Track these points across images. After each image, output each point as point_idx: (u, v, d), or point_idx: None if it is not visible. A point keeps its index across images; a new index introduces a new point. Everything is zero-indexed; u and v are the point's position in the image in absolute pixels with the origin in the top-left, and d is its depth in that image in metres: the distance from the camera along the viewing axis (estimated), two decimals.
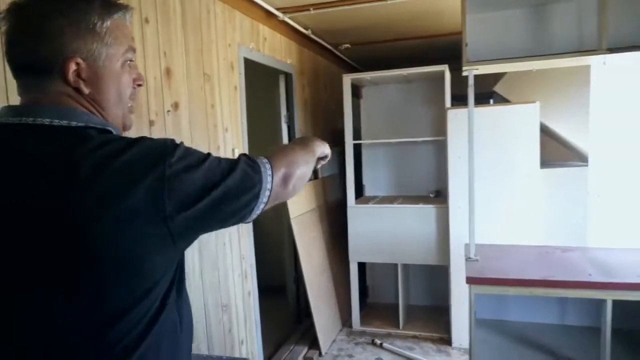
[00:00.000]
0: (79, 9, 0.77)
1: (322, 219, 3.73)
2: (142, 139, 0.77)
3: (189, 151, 0.79)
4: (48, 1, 0.77)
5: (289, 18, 3.16)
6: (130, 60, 0.85)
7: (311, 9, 3.02)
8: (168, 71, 2.06)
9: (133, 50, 0.85)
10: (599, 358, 1.91)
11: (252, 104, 2.80)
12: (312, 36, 3.65)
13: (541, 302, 2.40)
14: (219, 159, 0.82)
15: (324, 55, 4.22)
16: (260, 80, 3.31)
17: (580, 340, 2.17)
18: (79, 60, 0.77)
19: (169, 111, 2.05)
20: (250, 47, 2.84)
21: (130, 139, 0.77)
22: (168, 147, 0.76)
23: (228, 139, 2.56)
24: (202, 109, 2.33)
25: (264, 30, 3.05)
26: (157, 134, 1.98)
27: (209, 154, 0.81)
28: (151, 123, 1.95)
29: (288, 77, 3.45)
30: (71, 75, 0.77)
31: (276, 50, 3.24)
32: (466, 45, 2.13)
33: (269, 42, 3.13)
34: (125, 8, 0.84)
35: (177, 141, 0.79)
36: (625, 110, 2.83)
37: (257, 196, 0.84)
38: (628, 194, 2.86)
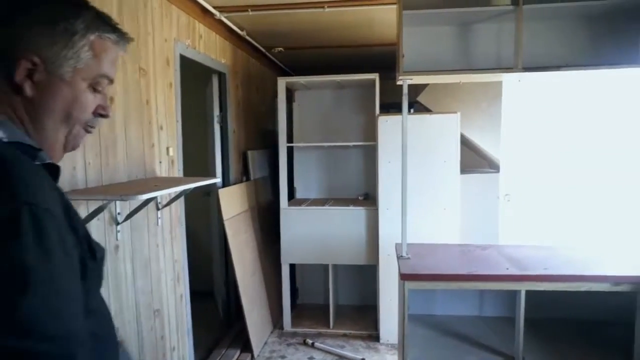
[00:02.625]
0: (64, 10, 0.72)
1: (254, 221, 3.71)
2: None
3: None
4: None
5: (226, 17, 3.13)
6: (99, 88, 0.77)
7: (249, 10, 3.02)
8: None
9: (109, 80, 0.78)
10: (513, 343, 2.13)
11: (184, 102, 2.73)
12: (247, 37, 3.63)
13: (462, 296, 2.61)
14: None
15: (257, 57, 4.21)
16: (192, 78, 3.23)
17: (498, 329, 2.40)
18: (37, 61, 0.69)
19: None
20: (187, 43, 2.77)
21: None
22: None
23: (163, 137, 2.47)
24: (137, 105, 2.22)
25: (200, 27, 2.98)
26: None
27: None
28: None
29: (222, 76, 3.40)
30: (20, 72, 0.69)
31: (211, 48, 3.18)
32: (402, 56, 2.26)
33: (205, 40, 3.06)
34: (121, 34, 0.79)
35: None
36: (532, 122, 3.18)
37: None
38: (534, 197, 3.22)
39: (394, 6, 2.41)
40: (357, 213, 3.56)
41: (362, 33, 3.72)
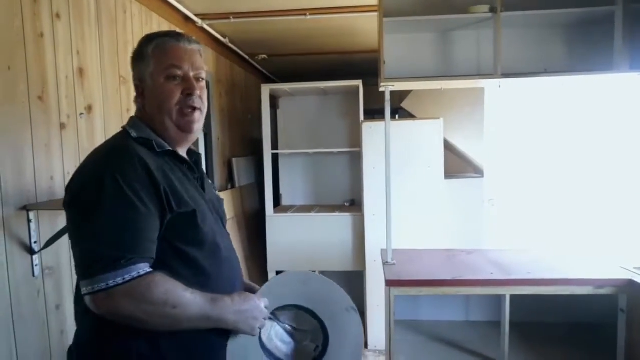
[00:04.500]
0: (140, 47, 1.10)
1: (240, 228, 3.68)
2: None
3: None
4: (139, 41, 1.12)
5: (208, 25, 3.12)
6: (173, 75, 1.05)
7: (231, 17, 3.02)
8: (81, 71, 1.92)
9: (175, 66, 1.05)
10: (499, 347, 2.14)
11: None
12: (230, 45, 3.62)
13: (448, 301, 2.61)
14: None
15: (241, 64, 4.20)
16: None
17: (483, 334, 2.40)
18: (138, 83, 1.10)
19: (82, 114, 1.91)
20: None
21: None
22: None
23: None
24: (117, 113, 2.20)
25: None
26: (68, 138, 1.83)
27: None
28: (62, 126, 1.80)
29: (206, 84, 3.37)
30: (136, 94, 1.11)
31: None
32: (384, 62, 2.28)
33: None
34: (170, 34, 1.11)
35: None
36: (515, 127, 3.22)
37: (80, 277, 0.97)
38: (518, 202, 3.25)
39: (375, 14, 2.43)
40: (344, 219, 3.55)
41: (345, 40, 3.75)
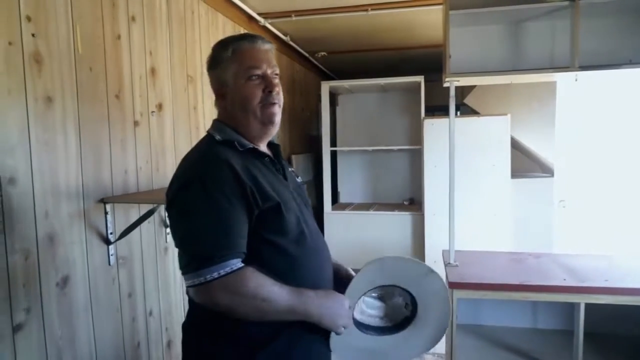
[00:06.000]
0: (216, 53, 1.17)
1: None
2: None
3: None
4: (214, 46, 1.20)
5: (270, 24, 3.17)
6: (254, 76, 1.12)
7: (293, 15, 3.04)
8: (153, 71, 2.02)
9: (255, 67, 1.12)
10: (571, 358, 2.00)
11: None
12: (291, 43, 3.66)
13: (514, 307, 2.48)
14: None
15: (301, 62, 4.24)
16: None
17: (553, 343, 2.26)
18: (218, 87, 1.18)
19: (153, 112, 2.01)
20: None
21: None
22: None
23: None
24: (185, 111, 2.28)
25: None
26: (141, 135, 1.92)
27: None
28: (136, 123, 1.89)
29: None
30: (216, 97, 1.19)
31: None
32: (449, 57, 2.20)
33: None
34: (246, 37, 1.16)
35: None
36: (589, 124, 3.00)
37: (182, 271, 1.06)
38: (591, 203, 3.03)
39: (438, 7, 2.35)
40: (402, 218, 3.49)
41: (406, 35, 3.67)
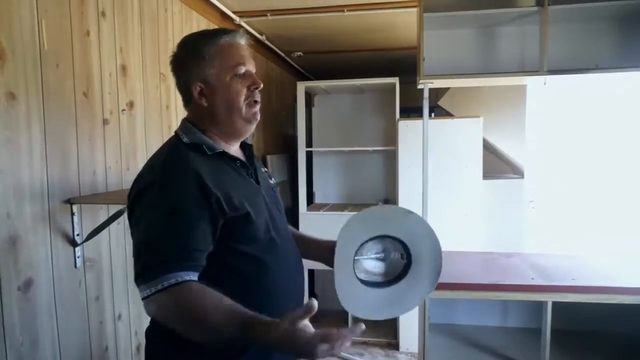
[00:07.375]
0: (196, 47, 1.09)
1: None
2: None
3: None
4: (183, 43, 1.13)
5: (245, 22, 3.14)
6: (239, 73, 1.08)
7: (268, 14, 3.02)
8: (124, 68, 1.97)
9: (241, 64, 1.09)
10: (539, 357, 2.05)
11: None
12: (267, 42, 3.64)
13: (485, 306, 2.53)
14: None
15: (277, 62, 4.22)
16: None
17: (522, 341, 2.31)
18: (200, 84, 1.08)
19: (124, 110, 1.96)
20: None
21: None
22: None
23: None
24: (157, 109, 2.24)
25: None
26: (110, 133, 1.87)
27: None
28: (105, 122, 1.84)
29: None
30: (195, 93, 1.09)
31: None
32: (423, 59, 2.22)
33: None
34: (227, 32, 1.10)
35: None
36: (559, 126, 3.09)
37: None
38: (560, 204, 3.12)
39: (414, 9, 2.37)
40: None
41: (382, 37, 3.69)
